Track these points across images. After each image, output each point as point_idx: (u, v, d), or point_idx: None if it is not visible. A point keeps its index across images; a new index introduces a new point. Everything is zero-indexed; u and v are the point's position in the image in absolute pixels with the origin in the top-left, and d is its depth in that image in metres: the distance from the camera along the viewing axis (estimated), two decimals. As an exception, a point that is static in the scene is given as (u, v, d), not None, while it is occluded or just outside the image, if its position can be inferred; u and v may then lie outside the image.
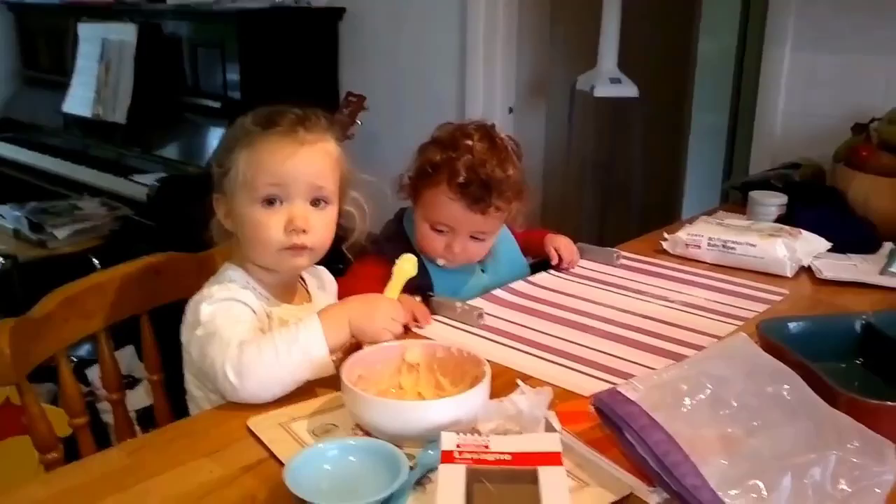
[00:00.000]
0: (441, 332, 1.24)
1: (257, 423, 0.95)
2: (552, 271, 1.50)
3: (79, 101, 3.27)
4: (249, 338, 1.01)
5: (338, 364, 0.98)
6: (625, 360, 1.14)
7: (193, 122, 3.00)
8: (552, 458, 0.80)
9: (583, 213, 3.08)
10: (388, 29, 2.89)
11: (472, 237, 1.36)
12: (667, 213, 3.13)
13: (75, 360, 2.13)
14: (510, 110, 2.83)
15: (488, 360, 1.12)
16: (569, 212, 3.04)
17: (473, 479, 0.78)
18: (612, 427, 0.86)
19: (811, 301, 1.39)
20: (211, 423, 0.96)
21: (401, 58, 2.88)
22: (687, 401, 0.87)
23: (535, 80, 2.87)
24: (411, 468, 0.84)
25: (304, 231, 1.08)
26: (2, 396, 1.97)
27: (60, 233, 2.58)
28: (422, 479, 0.83)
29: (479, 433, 0.88)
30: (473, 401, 0.90)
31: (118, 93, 3.11)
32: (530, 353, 1.16)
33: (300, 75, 2.96)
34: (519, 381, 0.94)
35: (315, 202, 1.10)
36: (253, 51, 2.83)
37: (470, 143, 1.34)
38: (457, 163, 1.31)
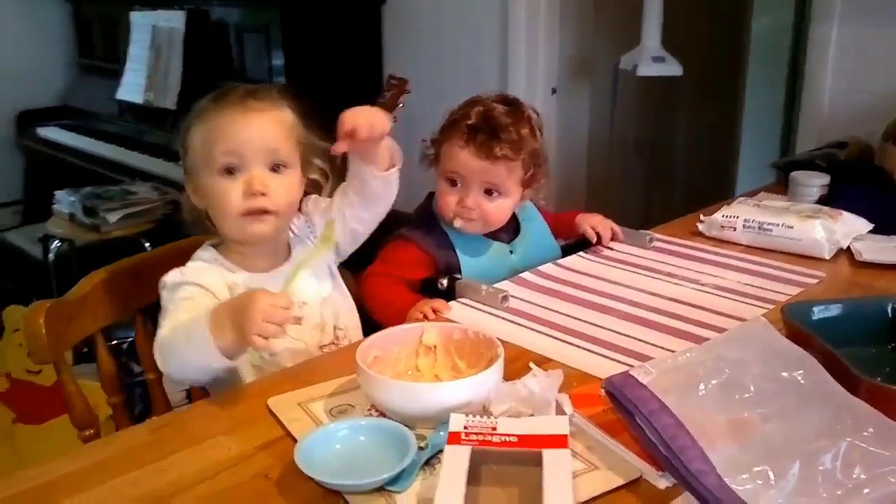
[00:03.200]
0: (466, 314, 1.24)
1: (277, 402, 0.97)
2: (583, 254, 1.49)
3: (131, 87, 3.35)
4: (182, 321, 1.03)
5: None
6: (648, 343, 1.13)
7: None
8: (558, 441, 0.81)
9: (628, 195, 3.04)
10: (430, 11, 2.89)
11: (485, 193, 1.36)
12: (719, 196, 3.06)
13: (130, 339, 2.20)
14: (553, 91, 2.80)
15: (509, 343, 1.13)
16: (613, 194, 3.01)
17: (478, 460, 0.79)
18: (623, 411, 0.85)
19: (848, 284, 1.35)
20: (232, 403, 0.99)
21: (443, 40, 2.87)
22: (701, 385, 0.86)
23: (578, 61, 2.84)
24: (422, 449, 0.85)
25: (262, 194, 1.09)
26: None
27: (112, 217, 2.66)
28: (431, 460, 0.84)
29: (491, 415, 0.88)
30: (484, 383, 0.90)
31: (168, 79, 3.17)
32: (552, 336, 1.16)
33: (344, 60, 2.98)
34: (532, 364, 0.94)
35: (274, 168, 1.12)
36: (297, 36, 2.86)
37: (488, 100, 1.38)
38: (470, 111, 1.36)
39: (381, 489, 0.80)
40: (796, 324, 1.00)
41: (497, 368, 0.92)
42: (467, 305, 1.27)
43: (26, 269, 3.07)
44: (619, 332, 1.16)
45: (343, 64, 2.97)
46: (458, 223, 1.37)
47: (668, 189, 2.94)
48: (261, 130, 1.11)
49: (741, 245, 1.51)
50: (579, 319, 1.21)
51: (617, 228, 1.53)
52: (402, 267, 1.36)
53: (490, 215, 1.38)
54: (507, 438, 0.81)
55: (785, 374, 0.86)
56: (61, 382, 1.16)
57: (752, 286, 1.32)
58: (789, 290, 1.30)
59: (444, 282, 1.33)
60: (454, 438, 0.82)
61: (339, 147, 1.08)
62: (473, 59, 2.80)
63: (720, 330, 1.15)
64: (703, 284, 1.33)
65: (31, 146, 3.71)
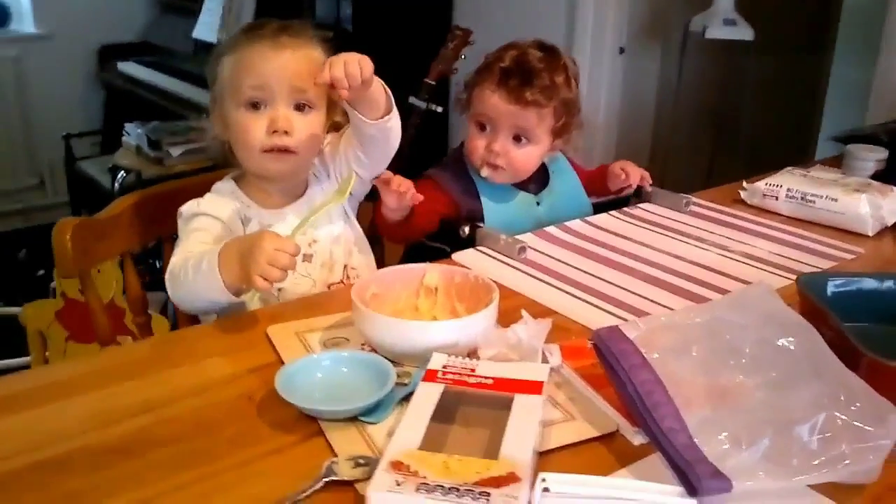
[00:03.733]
0: (481, 261, 1.24)
1: (275, 330, 0.99)
2: (614, 213, 1.46)
3: (206, 27, 3.41)
4: (196, 250, 1.05)
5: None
6: (660, 304, 1.10)
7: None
8: (533, 387, 0.80)
9: (690, 162, 2.96)
10: (502, -36, 2.84)
11: (513, 139, 1.34)
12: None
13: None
14: (621, 51, 2.73)
15: (518, 293, 1.13)
16: (676, 160, 2.93)
17: (452, 399, 0.79)
18: (606, 364, 0.84)
19: (887, 263, 1.29)
20: (234, 327, 1.01)
21: (513, -8, 2.83)
22: (693, 347, 0.84)
23: (650, 20, 2.76)
24: (405, 384, 0.86)
25: (285, 133, 1.10)
26: (108, 296, 2.14)
27: (175, 151, 2.73)
28: (410, 395, 0.85)
29: (478, 358, 0.89)
30: (473, 326, 0.90)
31: (240, 19, 3.21)
32: (562, 290, 1.14)
33: (413, 9, 2.96)
34: (523, 311, 0.93)
35: (299, 107, 1.12)
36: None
37: (524, 45, 1.36)
38: (505, 54, 1.34)
39: (355, 419, 0.81)
40: (808, 294, 0.96)
41: (488, 313, 0.91)
42: (484, 253, 1.27)
43: (96, 197, 3.20)
44: (631, 292, 1.14)
45: (412, 13, 2.96)
46: (485, 172, 1.36)
47: (734, 158, 2.84)
48: (290, 67, 1.10)
49: (782, 215, 1.46)
50: (594, 276, 1.19)
51: (646, 174, 1.49)
52: (425, 206, 1.35)
53: (517, 162, 1.36)
54: (483, 380, 0.82)
55: (782, 342, 0.83)
56: (87, 299, 1.21)
57: (783, 256, 1.28)
58: (822, 263, 1.25)
59: (466, 229, 1.32)
60: (430, 376, 0.82)
61: (322, 78, 1.04)
62: (540, 12, 2.75)
63: (739, 298, 1.12)
64: (731, 251, 1.30)
65: (110, 80, 3.83)
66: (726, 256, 1.28)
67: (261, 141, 1.11)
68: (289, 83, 1.10)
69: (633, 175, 1.49)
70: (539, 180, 1.44)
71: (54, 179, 3.89)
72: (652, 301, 1.11)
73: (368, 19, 2.89)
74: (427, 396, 0.79)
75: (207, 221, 1.11)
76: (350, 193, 1.20)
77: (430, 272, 1.03)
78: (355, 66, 1.03)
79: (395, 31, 2.87)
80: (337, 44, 2.95)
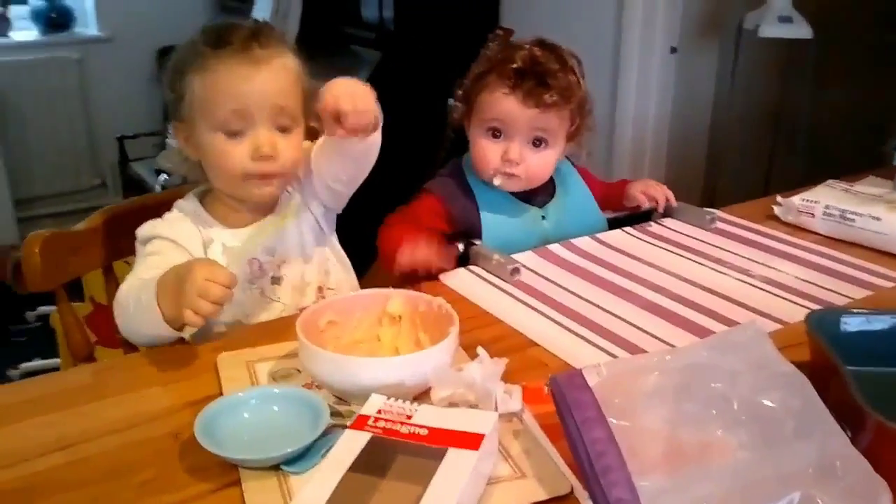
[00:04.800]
0: (471, 283, 1.15)
1: (225, 359, 0.93)
2: (629, 229, 1.34)
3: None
4: (146, 277, 0.97)
5: None
6: (655, 337, 0.99)
7: (352, 52, 3.02)
8: (471, 441, 0.71)
9: (748, 166, 2.78)
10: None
11: (532, 144, 1.24)
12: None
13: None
14: (672, 50, 2.57)
15: (501, 322, 1.03)
16: (732, 164, 2.75)
17: (376, 449, 0.70)
18: (560, 416, 0.74)
19: (932, 293, 1.14)
20: (183, 354, 0.95)
21: (561, -10, 2.71)
22: (665, 397, 0.73)
23: (704, 17, 2.59)
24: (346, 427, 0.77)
25: (271, 157, 1.02)
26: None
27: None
28: (345, 442, 0.77)
29: (409, 401, 0.79)
30: (421, 364, 0.81)
31: (287, 20, 3.19)
32: (553, 319, 1.04)
33: (458, 9, 2.87)
34: (479, 349, 0.84)
35: (281, 127, 1.03)
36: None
37: (527, 46, 1.25)
38: (514, 54, 1.24)
39: (277, 468, 0.73)
40: (816, 335, 0.83)
41: (442, 349, 0.82)
42: (475, 274, 1.17)
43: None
44: (630, 323, 1.03)
45: (457, 13, 2.87)
46: (498, 180, 1.26)
47: (798, 162, 2.65)
48: (270, 88, 1.02)
49: (819, 235, 1.32)
50: (591, 303, 1.08)
51: (671, 195, 1.37)
52: (420, 217, 1.26)
53: (534, 168, 1.26)
54: (417, 430, 0.72)
55: (765, 395, 0.71)
56: (60, 313, 1.17)
57: (810, 283, 1.14)
58: (853, 291, 1.11)
59: (461, 246, 1.23)
60: (359, 422, 0.74)
61: (331, 133, 0.99)
62: (588, 10, 2.62)
63: (750, 331, 0.99)
64: (752, 275, 1.17)
65: (167, 80, 3.87)
66: (745, 282, 1.15)
67: (243, 168, 1.03)
68: (270, 105, 1.02)
69: (659, 197, 1.37)
70: (545, 191, 1.33)
71: (115, 180, 3.96)
72: (651, 335, 1.00)
73: (411, 19, 2.81)
74: (349, 446, 0.70)
75: (163, 245, 1.04)
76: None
77: (394, 299, 0.94)
78: (368, 110, 0.97)
79: (438, 32, 2.79)
80: (379, 43, 2.88)
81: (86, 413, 0.84)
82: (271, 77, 1.02)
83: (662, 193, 1.37)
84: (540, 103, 1.21)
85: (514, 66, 1.23)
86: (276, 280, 1.09)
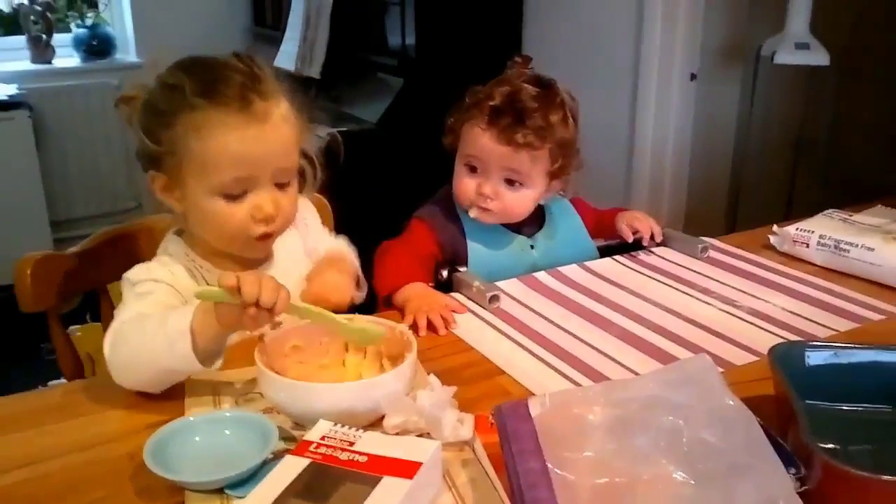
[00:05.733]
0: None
1: (195, 381, 0.94)
2: (619, 258, 1.33)
3: (286, 55, 3.47)
4: (144, 313, 0.94)
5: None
6: (630, 369, 0.98)
7: (377, 79, 3.06)
8: (406, 469, 0.71)
9: (769, 193, 2.73)
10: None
11: (506, 182, 1.24)
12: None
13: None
14: (692, 77, 2.56)
15: (472, 349, 1.03)
16: (759, 192, 2.71)
17: (312, 475, 0.71)
18: (501, 444, 0.74)
19: (923, 327, 1.11)
20: (154, 376, 0.97)
21: (581, 16, 2.71)
22: (605, 429, 0.72)
23: (724, 44, 2.57)
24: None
25: (273, 218, 1.00)
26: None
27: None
28: (293, 466, 0.77)
29: (357, 428, 0.80)
30: (372, 390, 0.81)
31: (315, 48, 3.24)
32: (524, 347, 1.04)
33: (481, 34, 2.90)
34: (430, 376, 0.84)
35: (280, 184, 1.00)
36: (430, 9, 2.82)
37: (518, 81, 1.24)
38: (495, 91, 1.24)
39: (221, 490, 0.74)
40: (776, 367, 0.81)
41: (393, 376, 0.83)
42: (457, 301, 1.17)
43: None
44: (600, 351, 1.02)
45: (479, 39, 2.89)
46: (473, 213, 1.27)
47: (815, 187, 2.60)
48: (273, 148, 0.97)
49: (814, 265, 1.29)
50: (568, 332, 1.08)
51: (658, 229, 1.35)
52: (414, 243, 1.28)
53: (509, 205, 1.26)
54: (357, 457, 0.73)
55: (708, 433, 0.70)
56: (52, 335, 1.20)
57: (796, 315, 1.12)
58: (840, 324, 1.09)
59: (445, 273, 1.23)
60: (301, 448, 0.74)
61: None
62: (608, 37, 2.63)
63: (726, 364, 0.98)
64: (737, 306, 1.15)
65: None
66: (730, 313, 1.13)
67: (246, 232, 0.99)
68: (273, 168, 0.98)
69: (644, 230, 1.35)
70: (534, 222, 1.33)
71: (152, 203, 4.04)
72: (620, 364, 0.99)
73: (433, 47, 2.84)
74: (286, 471, 0.71)
75: (159, 286, 1.00)
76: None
77: (358, 325, 0.94)
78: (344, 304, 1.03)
79: (460, 59, 2.81)
80: (400, 70, 2.90)
81: (52, 432, 0.86)
82: (273, 137, 0.97)
83: (648, 227, 1.35)
84: (512, 141, 1.21)
85: (492, 102, 1.23)
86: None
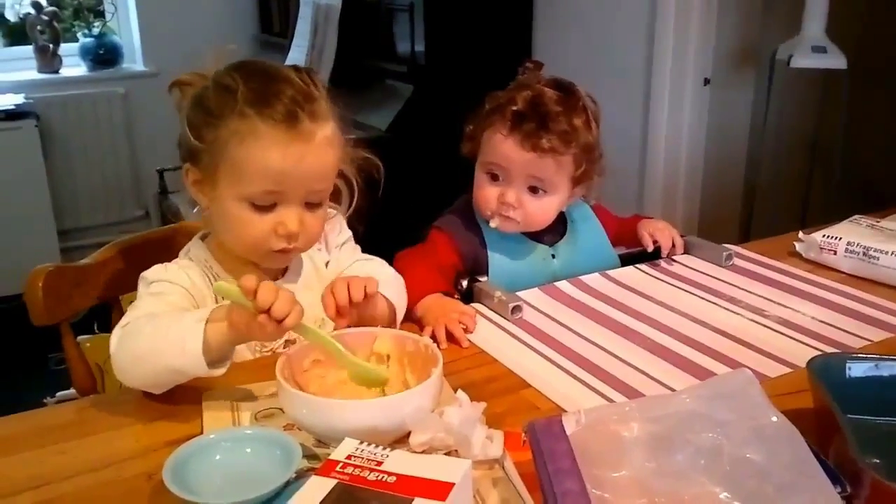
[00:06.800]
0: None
1: (210, 396, 0.92)
2: (641, 266, 1.30)
3: (294, 62, 3.44)
4: (156, 312, 0.93)
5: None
6: (660, 382, 0.95)
7: (386, 86, 3.04)
8: (438, 491, 0.68)
9: (784, 198, 2.70)
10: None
11: (530, 189, 1.21)
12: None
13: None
14: (706, 81, 2.53)
15: (497, 361, 1.01)
16: (769, 195, 2.68)
17: (340, 497, 0.68)
18: (536, 465, 0.71)
19: (958, 336, 1.07)
20: (171, 392, 0.93)
21: (592, 21, 2.69)
22: (645, 448, 0.69)
23: (738, 48, 2.55)
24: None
25: (295, 236, 0.98)
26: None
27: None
28: (317, 487, 0.75)
29: (384, 447, 0.77)
30: (398, 407, 0.79)
31: (323, 56, 3.23)
32: (550, 360, 1.01)
33: (490, 40, 2.87)
34: (459, 392, 0.81)
35: (310, 204, 0.99)
36: (439, 15, 2.79)
37: (538, 86, 1.21)
38: (517, 96, 1.20)
39: (242, 512, 0.72)
40: (816, 380, 0.78)
41: (419, 392, 0.80)
42: (478, 312, 1.15)
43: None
44: (629, 363, 0.99)
45: (489, 45, 2.87)
46: (494, 222, 1.24)
47: (831, 193, 2.57)
48: (310, 169, 0.96)
49: (842, 273, 1.26)
50: (591, 342, 1.05)
51: (679, 240, 1.32)
52: (435, 254, 1.25)
53: (532, 213, 1.23)
54: (386, 477, 0.70)
55: (752, 451, 0.67)
56: (64, 347, 1.18)
57: (826, 324, 1.09)
58: (872, 333, 1.06)
59: (465, 283, 1.21)
60: (327, 468, 0.71)
61: (339, 323, 0.96)
62: (619, 42, 2.60)
63: (759, 377, 0.95)
64: (766, 316, 1.12)
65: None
66: (759, 323, 1.10)
67: (265, 241, 0.98)
68: (307, 189, 0.97)
69: (664, 241, 1.32)
70: (556, 230, 1.30)
71: (157, 211, 4.03)
72: (651, 377, 0.96)
73: (442, 53, 2.82)
74: (313, 492, 0.68)
75: (173, 288, 1.00)
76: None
77: (381, 338, 0.92)
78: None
79: (469, 65, 2.79)
80: (410, 77, 2.89)
81: (65, 451, 0.83)
82: (313, 159, 0.96)
83: (669, 237, 1.33)
84: (537, 147, 1.18)
85: (514, 108, 1.20)
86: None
